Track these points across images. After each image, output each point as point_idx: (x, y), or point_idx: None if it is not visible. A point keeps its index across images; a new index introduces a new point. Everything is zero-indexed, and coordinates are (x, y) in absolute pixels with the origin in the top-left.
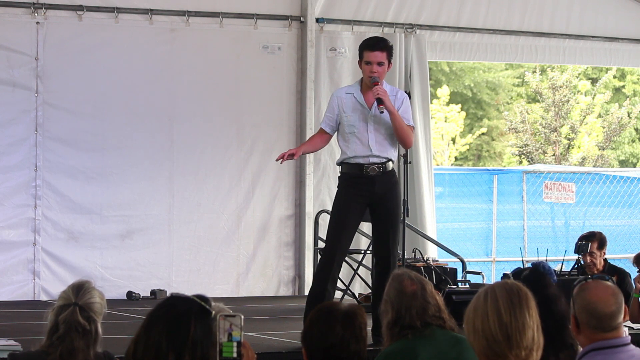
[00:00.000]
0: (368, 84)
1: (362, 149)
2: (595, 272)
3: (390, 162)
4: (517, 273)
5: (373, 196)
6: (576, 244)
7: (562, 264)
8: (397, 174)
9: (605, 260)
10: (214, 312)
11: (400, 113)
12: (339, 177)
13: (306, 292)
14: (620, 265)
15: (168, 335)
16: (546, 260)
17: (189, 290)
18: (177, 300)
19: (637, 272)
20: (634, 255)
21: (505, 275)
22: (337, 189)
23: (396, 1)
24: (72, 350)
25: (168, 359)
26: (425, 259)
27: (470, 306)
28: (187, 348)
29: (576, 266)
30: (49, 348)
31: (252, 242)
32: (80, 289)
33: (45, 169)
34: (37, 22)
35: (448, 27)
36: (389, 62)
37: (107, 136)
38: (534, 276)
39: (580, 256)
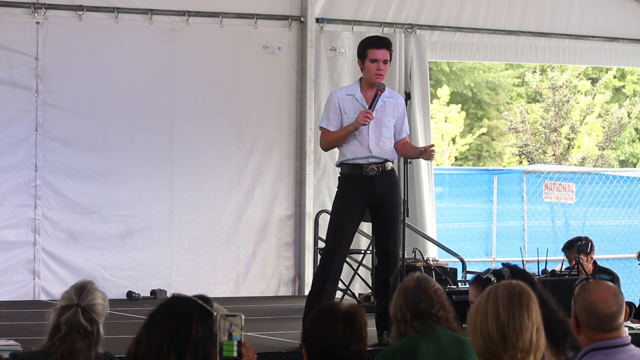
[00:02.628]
0: (372, 83)
1: (362, 151)
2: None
3: (389, 162)
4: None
5: (373, 196)
6: (575, 245)
7: (562, 264)
8: (397, 173)
9: (594, 262)
10: (215, 313)
11: (397, 122)
12: (338, 177)
13: (306, 292)
14: (620, 264)
15: (169, 336)
16: (546, 260)
17: (188, 291)
18: (179, 301)
19: None
20: (633, 254)
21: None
22: (336, 189)
23: (396, 1)
24: (73, 351)
25: None
26: (425, 259)
27: (473, 305)
28: (189, 349)
29: (575, 266)
30: (50, 348)
31: (252, 242)
32: (82, 290)
33: (45, 169)
34: (37, 22)
35: (448, 27)
36: (390, 61)
37: (107, 136)
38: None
39: (580, 256)
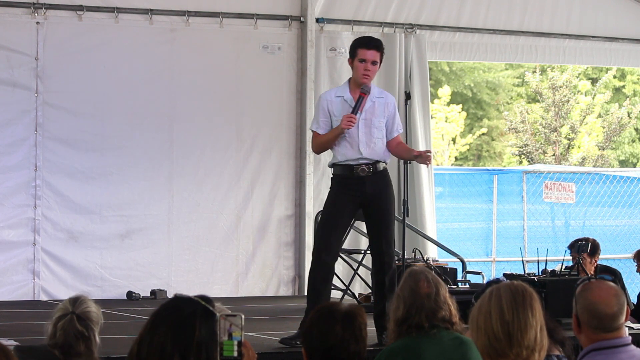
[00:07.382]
0: (359, 83)
1: (352, 152)
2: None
3: (381, 163)
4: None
5: (364, 196)
6: (576, 244)
7: (562, 264)
8: (389, 174)
9: (596, 267)
10: (218, 314)
11: (388, 122)
12: (331, 178)
13: (306, 293)
14: (620, 264)
15: (173, 337)
16: (546, 260)
17: (188, 290)
18: (182, 301)
19: (636, 267)
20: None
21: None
22: (329, 189)
23: (396, 1)
24: (73, 352)
25: None
26: (425, 259)
27: (475, 305)
28: (192, 350)
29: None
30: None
31: (252, 242)
32: (76, 300)
33: (45, 169)
34: (37, 22)
35: (448, 27)
36: (380, 64)
37: (107, 136)
38: None
39: (580, 256)
